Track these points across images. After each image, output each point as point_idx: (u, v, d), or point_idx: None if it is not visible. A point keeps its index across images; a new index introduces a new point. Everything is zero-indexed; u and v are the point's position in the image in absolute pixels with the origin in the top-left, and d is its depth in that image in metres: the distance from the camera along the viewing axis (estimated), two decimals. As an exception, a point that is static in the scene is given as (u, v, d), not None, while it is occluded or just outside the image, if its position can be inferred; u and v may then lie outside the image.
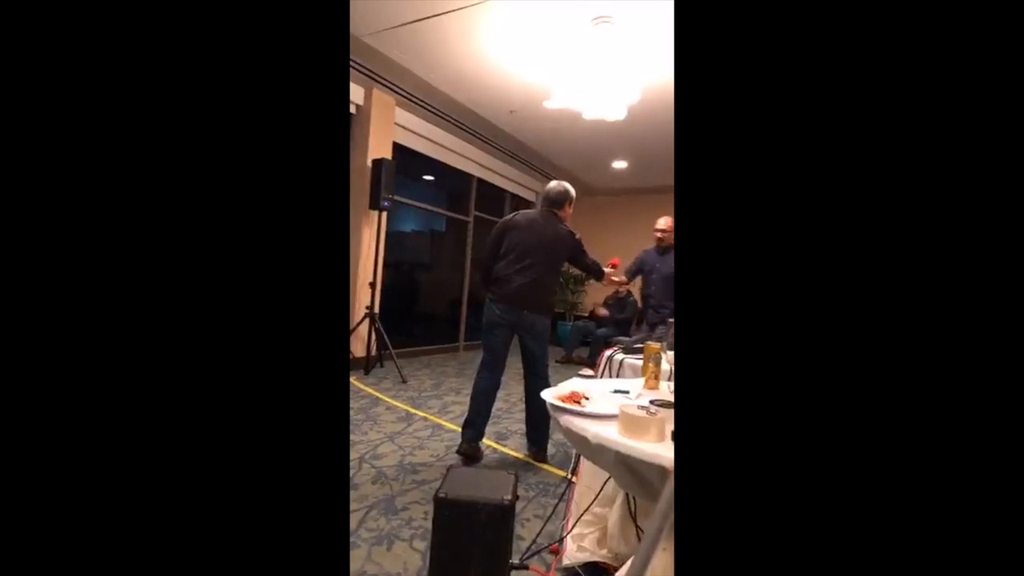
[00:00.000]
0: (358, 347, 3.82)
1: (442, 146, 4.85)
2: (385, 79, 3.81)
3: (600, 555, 1.33)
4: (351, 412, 2.77)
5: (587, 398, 1.00)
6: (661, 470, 0.72)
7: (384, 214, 3.83)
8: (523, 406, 2.42)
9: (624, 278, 2.81)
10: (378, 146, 3.95)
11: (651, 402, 1.00)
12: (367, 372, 3.79)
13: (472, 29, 3.03)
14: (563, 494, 1.67)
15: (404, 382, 3.64)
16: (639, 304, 3.39)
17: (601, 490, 1.32)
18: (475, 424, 2.21)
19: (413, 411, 2.93)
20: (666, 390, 1.20)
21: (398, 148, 4.27)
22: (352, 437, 2.37)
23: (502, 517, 1.11)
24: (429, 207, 5.35)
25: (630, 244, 3.35)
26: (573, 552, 1.36)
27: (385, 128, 4.06)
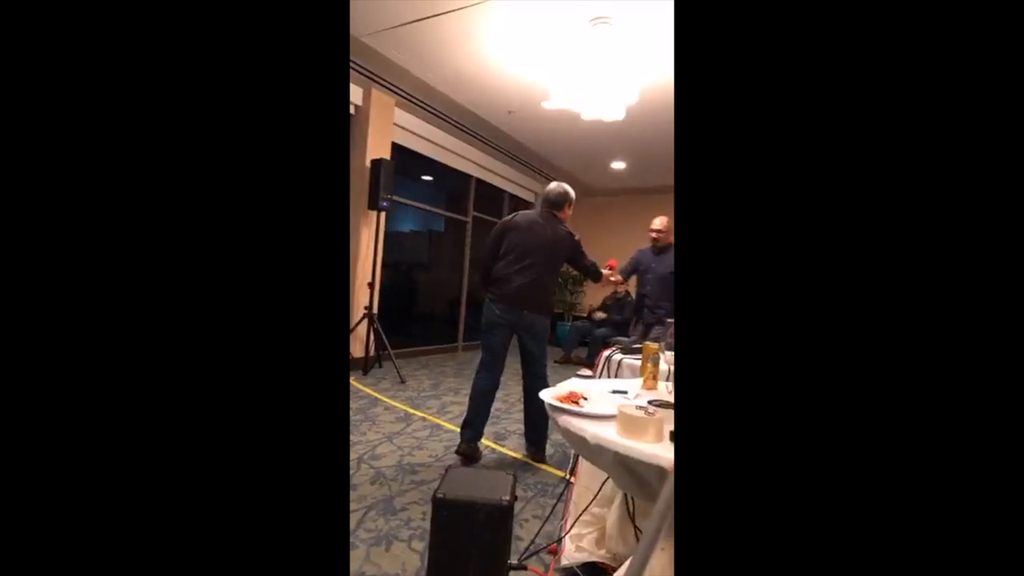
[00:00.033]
0: (356, 347, 3.82)
1: (441, 146, 4.85)
2: (384, 79, 3.81)
3: (598, 555, 1.33)
4: (349, 413, 2.77)
5: (585, 398, 1.00)
6: (659, 470, 0.73)
7: (383, 214, 3.83)
8: (521, 406, 2.42)
9: (620, 277, 2.81)
10: (377, 146, 3.95)
11: (649, 402, 1.00)
12: (366, 372, 3.78)
13: (471, 29, 3.03)
14: (561, 494, 1.67)
15: (403, 382, 3.63)
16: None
17: (599, 490, 1.32)
18: (474, 424, 2.21)
19: (412, 411, 2.93)
20: (664, 390, 1.20)
21: (397, 148, 4.27)
22: (351, 437, 2.37)
23: (500, 517, 1.11)
24: (428, 207, 5.35)
25: (629, 244, 3.35)
26: (571, 552, 1.36)
27: (384, 128, 4.06)
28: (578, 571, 1.33)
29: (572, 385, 1.13)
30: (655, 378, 1.23)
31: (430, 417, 2.84)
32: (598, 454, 0.83)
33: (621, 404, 0.89)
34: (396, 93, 4.01)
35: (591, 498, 1.33)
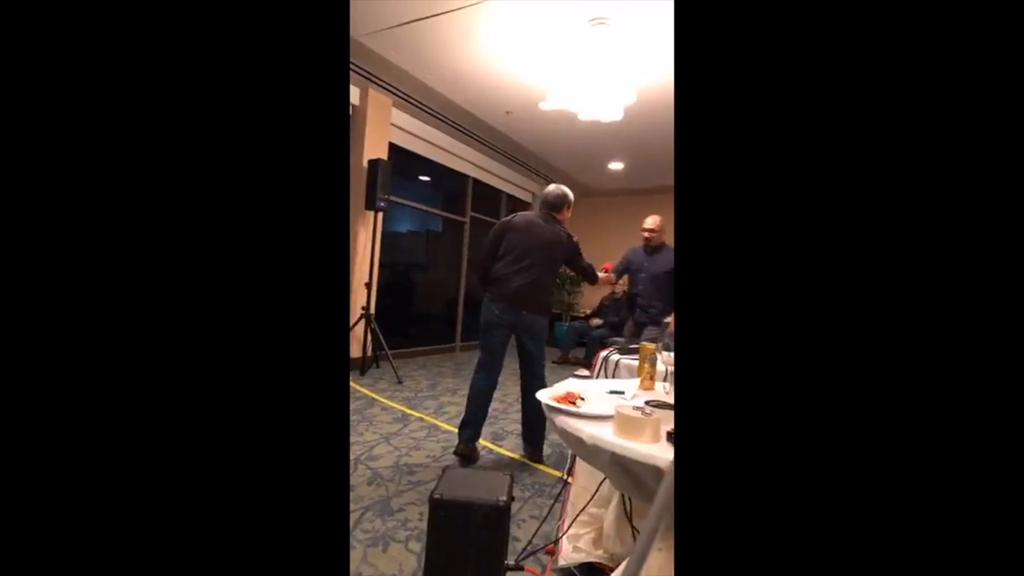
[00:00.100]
0: (354, 348, 3.81)
1: (438, 147, 4.84)
2: (381, 79, 3.81)
3: (596, 556, 1.33)
4: (347, 413, 2.76)
5: (582, 399, 1.00)
6: (656, 471, 0.73)
7: (380, 214, 3.82)
8: (519, 406, 2.42)
9: (612, 276, 2.81)
10: (374, 146, 3.95)
11: (646, 403, 1.00)
12: (363, 373, 3.78)
13: (468, 30, 3.03)
14: (559, 495, 1.67)
15: (400, 383, 3.63)
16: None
17: (597, 491, 1.32)
18: (472, 424, 2.20)
19: (409, 412, 2.93)
20: (661, 391, 1.20)
21: (394, 148, 4.27)
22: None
23: (498, 518, 1.11)
24: (425, 208, 5.34)
25: (626, 244, 3.34)
26: (569, 553, 1.36)
27: (381, 128, 4.05)
28: (575, 571, 1.33)
29: (569, 385, 1.13)
30: (652, 378, 1.23)
31: (427, 417, 2.84)
32: (595, 454, 0.83)
33: (618, 404, 0.89)
34: (393, 93, 4.01)
35: (588, 498, 1.33)
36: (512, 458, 2.29)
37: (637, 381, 1.26)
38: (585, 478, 1.42)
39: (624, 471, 0.79)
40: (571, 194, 2.38)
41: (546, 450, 2.30)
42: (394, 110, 4.16)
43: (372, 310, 3.80)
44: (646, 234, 3.13)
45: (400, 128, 4.31)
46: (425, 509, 1.13)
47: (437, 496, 1.11)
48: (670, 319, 3.02)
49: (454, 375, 4.16)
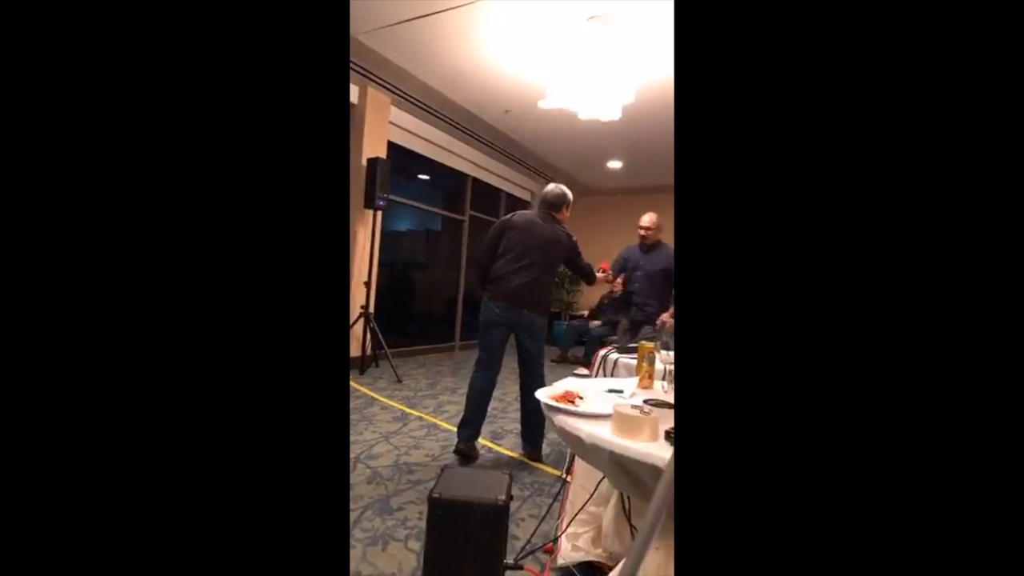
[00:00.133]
0: (353, 347, 3.81)
1: (437, 145, 4.84)
2: (380, 78, 3.80)
3: (595, 554, 1.34)
4: (346, 412, 2.76)
5: (581, 397, 1.01)
6: (654, 469, 0.73)
7: (379, 213, 3.82)
8: (518, 405, 2.42)
9: (610, 276, 2.82)
10: (373, 145, 3.94)
11: (645, 401, 1.00)
12: (362, 372, 3.78)
13: (467, 28, 3.03)
14: (558, 493, 1.67)
15: (399, 382, 3.63)
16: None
17: (596, 489, 1.32)
18: (471, 423, 2.21)
19: (408, 411, 2.93)
20: (660, 389, 1.21)
21: (393, 147, 4.26)
22: (347, 437, 2.37)
23: (496, 517, 1.11)
24: (424, 206, 5.34)
25: (625, 243, 3.34)
26: (568, 551, 1.36)
27: (380, 127, 4.05)
28: (574, 570, 1.33)
29: (568, 384, 1.13)
30: (651, 377, 1.23)
31: (427, 416, 2.84)
32: (593, 453, 0.83)
33: (616, 403, 0.89)
34: (392, 91, 4.00)
35: (587, 497, 1.34)
36: (511, 457, 2.29)
37: (636, 380, 1.26)
38: (584, 477, 1.43)
39: (622, 470, 0.79)
40: (570, 193, 2.38)
41: (545, 449, 2.31)
42: (393, 108, 4.16)
43: (371, 309, 3.80)
44: (642, 232, 3.12)
45: (399, 126, 4.30)
46: (424, 508, 1.13)
47: (436, 495, 1.11)
48: (665, 316, 3.03)
49: (453, 374, 4.17)
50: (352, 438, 2.36)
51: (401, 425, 2.63)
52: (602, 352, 1.71)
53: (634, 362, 1.37)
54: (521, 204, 6.34)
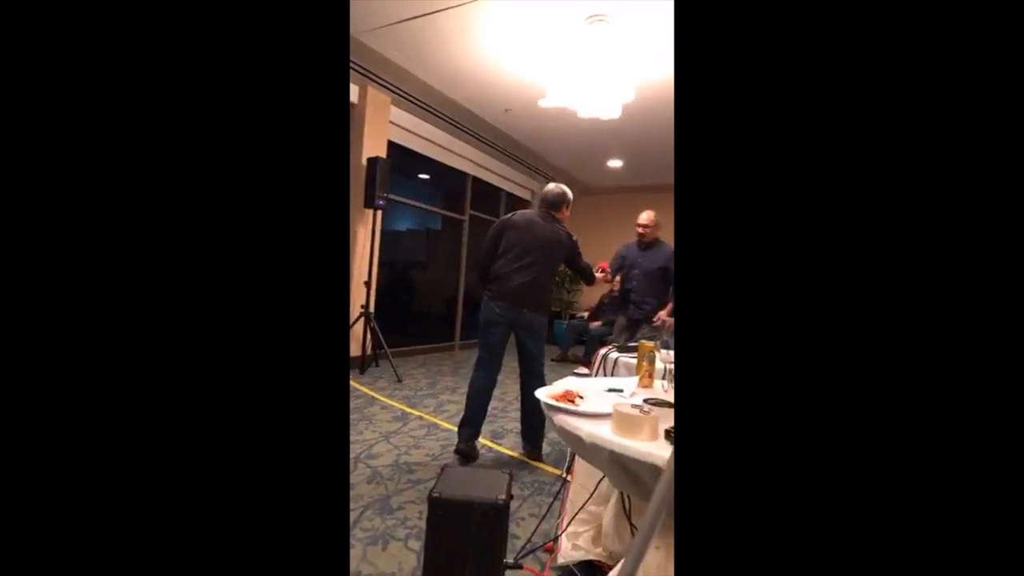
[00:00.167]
0: (353, 346, 3.81)
1: (437, 144, 4.84)
2: (380, 77, 3.80)
3: (595, 553, 1.34)
4: (346, 411, 2.76)
5: (581, 397, 1.00)
6: (654, 468, 0.73)
7: (379, 213, 3.82)
8: (518, 405, 2.42)
9: (609, 275, 2.81)
10: (373, 144, 3.94)
11: (645, 400, 1.00)
12: (362, 371, 3.78)
13: (467, 27, 3.03)
14: (558, 493, 1.67)
15: (399, 381, 3.63)
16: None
17: (596, 488, 1.32)
18: (472, 423, 2.21)
19: (408, 410, 2.93)
20: (660, 389, 1.20)
21: (393, 146, 4.26)
22: (347, 437, 2.37)
23: (496, 516, 1.11)
24: (424, 206, 5.34)
25: (626, 242, 3.33)
26: (568, 551, 1.36)
27: (380, 126, 4.05)
28: (574, 569, 1.33)
29: (568, 384, 1.13)
30: (651, 376, 1.23)
31: (427, 416, 2.84)
32: (593, 453, 0.83)
33: (616, 403, 0.89)
34: (392, 91, 4.00)
35: (587, 496, 1.33)
36: (512, 456, 2.29)
37: (636, 379, 1.26)
38: (584, 476, 1.42)
39: (622, 469, 0.79)
40: (570, 193, 2.38)
41: (545, 448, 2.31)
42: (393, 108, 4.15)
43: (371, 309, 3.80)
44: (640, 230, 3.11)
45: (399, 126, 4.30)
46: (424, 507, 1.13)
47: (436, 495, 1.11)
48: (663, 314, 3.02)
49: (453, 373, 4.16)
50: (352, 438, 2.36)
51: (401, 425, 2.63)
52: (602, 351, 1.71)
53: (634, 361, 1.37)
54: (521, 203, 6.34)
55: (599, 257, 3.05)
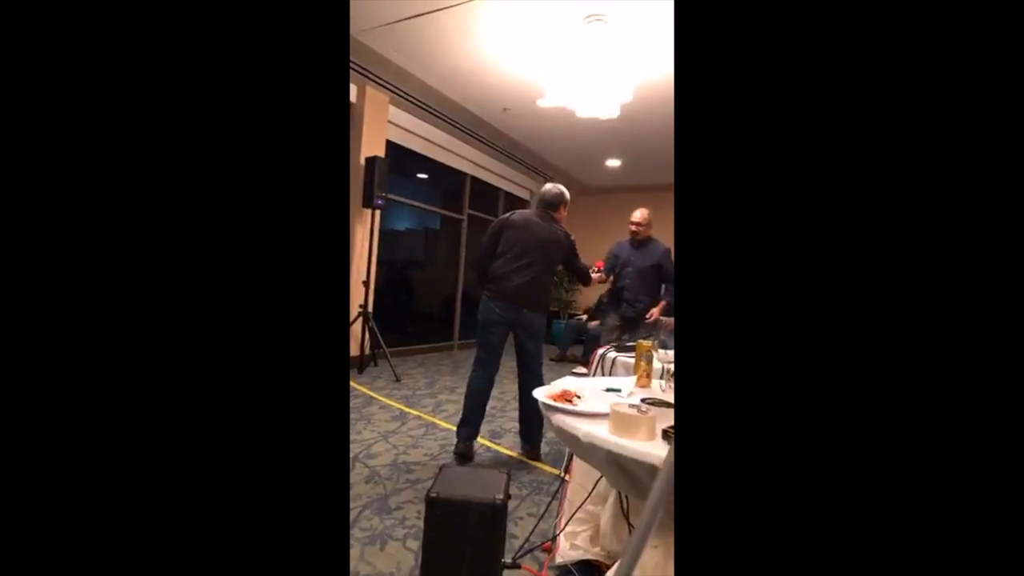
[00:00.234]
0: (352, 346, 3.80)
1: (436, 144, 4.83)
2: (378, 76, 3.79)
3: (593, 553, 1.34)
4: (344, 411, 2.76)
5: (579, 396, 1.00)
6: (651, 468, 0.73)
7: (377, 212, 3.82)
8: (516, 404, 2.42)
9: (603, 275, 2.81)
10: (371, 144, 3.94)
11: (642, 400, 1.00)
12: (361, 371, 3.78)
13: (465, 26, 3.02)
14: (556, 492, 1.67)
15: (398, 381, 3.63)
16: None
17: (594, 488, 1.32)
18: (471, 423, 2.21)
19: (407, 410, 2.93)
20: (658, 388, 1.21)
21: (391, 146, 4.25)
22: (345, 436, 2.36)
23: (494, 516, 1.11)
24: (423, 205, 5.33)
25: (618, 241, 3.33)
26: (566, 550, 1.36)
27: (378, 126, 4.04)
28: (572, 569, 1.33)
29: (566, 383, 1.13)
30: (649, 376, 1.23)
31: (425, 416, 2.84)
32: (591, 452, 0.83)
33: (614, 402, 0.89)
34: (390, 90, 4.00)
35: (585, 496, 1.34)
36: (510, 456, 2.30)
37: (634, 379, 1.26)
38: (582, 476, 1.43)
39: (620, 469, 0.79)
40: (568, 193, 2.38)
41: (544, 448, 2.31)
42: (391, 107, 4.15)
43: (370, 308, 3.80)
44: (633, 227, 3.10)
45: (397, 125, 4.30)
46: (423, 507, 1.13)
47: (434, 495, 1.11)
48: (655, 311, 3.00)
49: (452, 373, 4.16)
50: (351, 437, 2.36)
51: (399, 424, 2.63)
52: (600, 351, 1.71)
53: (632, 361, 1.37)
54: (520, 203, 6.34)
55: (597, 257, 3.06)
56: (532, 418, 2.24)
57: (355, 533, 1.51)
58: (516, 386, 2.36)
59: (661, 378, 1.25)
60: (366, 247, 3.87)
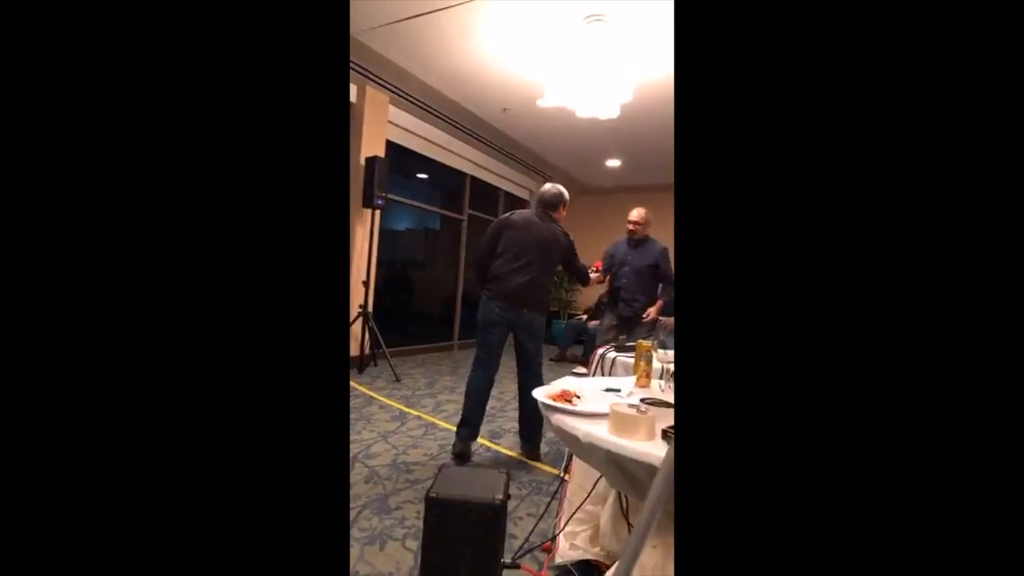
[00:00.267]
0: (352, 346, 3.81)
1: (436, 144, 4.83)
2: (378, 76, 3.79)
3: (592, 553, 1.34)
4: (344, 411, 2.76)
5: (578, 396, 1.00)
6: (651, 468, 0.73)
7: (377, 212, 3.82)
8: (516, 404, 2.42)
9: (601, 276, 2.81)
10: (371, 144, 3.94)
11: (642, 400, 1.00)
12: (361, 371, 3.78)
13: (465, 26, 3.02)
14: (556, 492, 1.67)
15: (398, 381, 3.63)
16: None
17: (593, 488, 1.32)
18: (470, 423, 2.21)
19: (407, 410, 2.93)
20: (657, 388, 1.21)
21: (391, 146, 4.25)
22: (345, 436, 2.36)
23: (493, 516, 1.11)
24: (423, 205, 5.33)
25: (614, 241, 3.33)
26: (566, 550, 1.36)
27: (378, 126, 4.04)
28: (572, 569, 1.33)
29: (565, 383, 1.13)
30: (648, 376, 1.23)
31: (425, 416, 2.84)
32: (590, 452, 0.83)
33: (613, 403, 0.89)
34: (390, 90, 4.00)
35: (585, 496, 1.34)
36: (510, 456, 2.30)
37: (633, 379, 1.26)
38: (582, 476, 1.43)
39: (619, 469, 0.79)
40: (567, 193, 2.38)
41: (543, 448, 2.31)
42: (391, 107, 4.15)
43: (370, 308, 3.80)
44: (631, 226, 3.10)
45: (397, 125, 4.30)
46: (422, 507, 1.13)
47: (433, 494, 1.11)
48: (652, 310, 3.00)
49: (452, 373, 4.16)
50: (350, 437, 2.36)
51: (399, 424, 2.63)
52: (600, 351, 1.71)
53: (632, 361, 1.37)
54: (520, 203, 6.34)
55: (597, 257, 3.06)
56: (532, 418, 2.24)
57: (355, 533, 1.51)
58: (516, 386, 2.36)
59: (660, 378, 1.25)
60: (366, 247, 3.87)
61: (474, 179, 5.62)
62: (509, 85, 3.81)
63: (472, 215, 5.70)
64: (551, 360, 4.99)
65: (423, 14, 2.91)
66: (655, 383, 1.24)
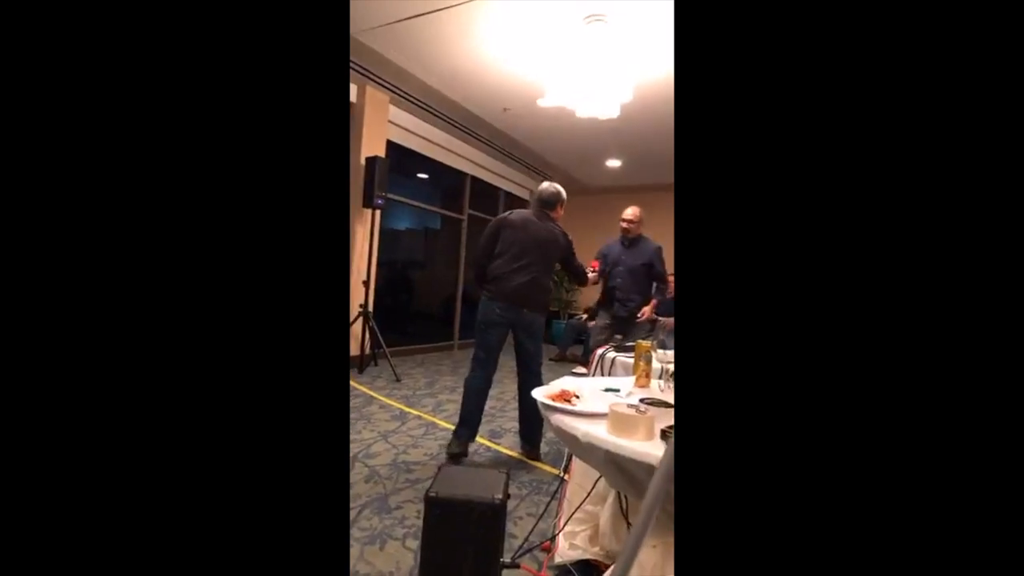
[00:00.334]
0: (352, 346, 3.81)
1: (436, 144, 4.84)
2: (378, 76, 3.79)
3: (592, 553, 1.34)
4: (344, 411, 2.76)
5: (578, 396, 1.01)
6: (650, 468, 0.73)
7: (378, 212, 3.82)
8: (516, 404, 2.42)
9: (597, 276, 2.80)
10: (371, 144, 3.94)
11: (641, 400, 1.01)
12: (361, 371, 3.78)
13: (466, 26, 3.02)
14: (555, 492, 1.68)
15: (398, 380, 3.63)
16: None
17: (593, 488, 1.33)
18: (469, 423, 2.21)
19: (407, 410, 2.93)
20: (656, 388, 1.21)
21: (391, 146, 4.26)
22: (345, 436, 2.36)
23: (493, 516, 1.11)
24: (423, 205, 5.33)
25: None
26: (565, 550, 1.36)
27: (378, 126, 4.04)
28: (572, 569, 1.33)
29: (565, 383, 1.13)
30: (648, 376, 1.23)
31: (425, 415, 2.84)
32: (589, 452, 0.84)
33: (612, 402, 0.89)
34: (390, 90, 4.00)
35: (585, 496, 1.34)
36: (509, 456, 2.30)
37: (632, 379, 1.26)
38: (581, 475, 1.43)
39: (618, 469, 0.79)
40: (564, 192, 2.38)
41: (543, 448, 2.31)
42: (391, 107, 4.15)
43: (370, 308, 3.80)
44: (625, 225, 3.08)
45: (397, 125, 4.30)
46: (422, 507, 1.13)
47: (433, 494, 1.11)
48: (647, 310, 2.98)
49: (452, 373, 4.17)
50: (350, 437, 2.36)
51: (399, 424, 2.63)
52: (599, 351, 1.71)
53: (631, 361, 1.37)
54: (520, 202, 6.34)
55: (596, 257, 3.05)
56: (532, 418, 2.24)
57: (354, 533, 1.51)
58: (516, 386, 2.36)
59: (660, 378, 1.25)
60: (366, 247, 3.87)
61: (474, 179, 5.62)
62: (509, 85, 3.81)
63: (472, 215, 5.70)
64: (551, 360, 4.99)
65: (423, 14, 2.91)
66: (654, 383, 1.24)
